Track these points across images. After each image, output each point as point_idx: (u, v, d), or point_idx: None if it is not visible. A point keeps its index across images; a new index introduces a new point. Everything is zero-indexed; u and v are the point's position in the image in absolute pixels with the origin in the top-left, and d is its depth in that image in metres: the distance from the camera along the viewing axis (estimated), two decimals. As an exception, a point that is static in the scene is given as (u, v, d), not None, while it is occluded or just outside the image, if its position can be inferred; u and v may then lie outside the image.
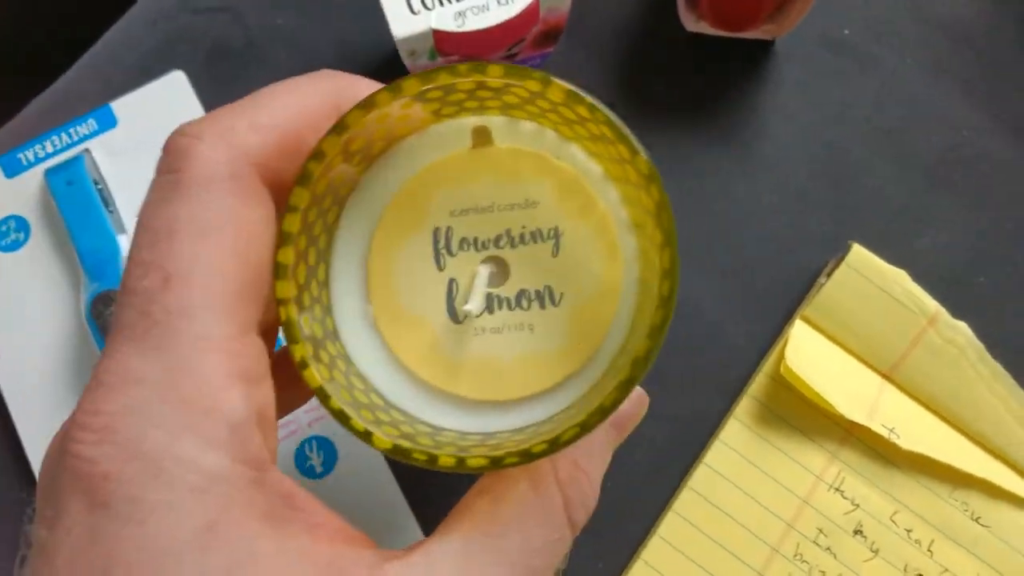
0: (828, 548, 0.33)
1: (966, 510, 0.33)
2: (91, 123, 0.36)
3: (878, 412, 0.33)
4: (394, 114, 0.19)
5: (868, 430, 0.33)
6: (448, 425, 0.20)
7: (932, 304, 0.34)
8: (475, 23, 0.32)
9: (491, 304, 0.20)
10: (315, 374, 0.18)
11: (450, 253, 0.20)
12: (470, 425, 0.20)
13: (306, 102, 0.19)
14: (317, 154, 0.18)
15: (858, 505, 0.33)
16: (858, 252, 0.34)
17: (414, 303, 0.20)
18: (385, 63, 0.40)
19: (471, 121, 0.20)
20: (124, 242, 0.34)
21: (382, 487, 0.33)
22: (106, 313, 0.32)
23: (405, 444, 0.18)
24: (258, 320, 0.18)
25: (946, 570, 0.32)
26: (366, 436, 0.18)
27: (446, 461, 0.18)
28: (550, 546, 0.19)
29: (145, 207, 0.18)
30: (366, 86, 0.20)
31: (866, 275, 0.34)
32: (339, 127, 0.18)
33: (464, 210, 0.20)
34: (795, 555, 0.33)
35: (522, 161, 0.20)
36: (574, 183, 0.20)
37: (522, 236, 0.20)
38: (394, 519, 0.33)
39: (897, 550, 0.33)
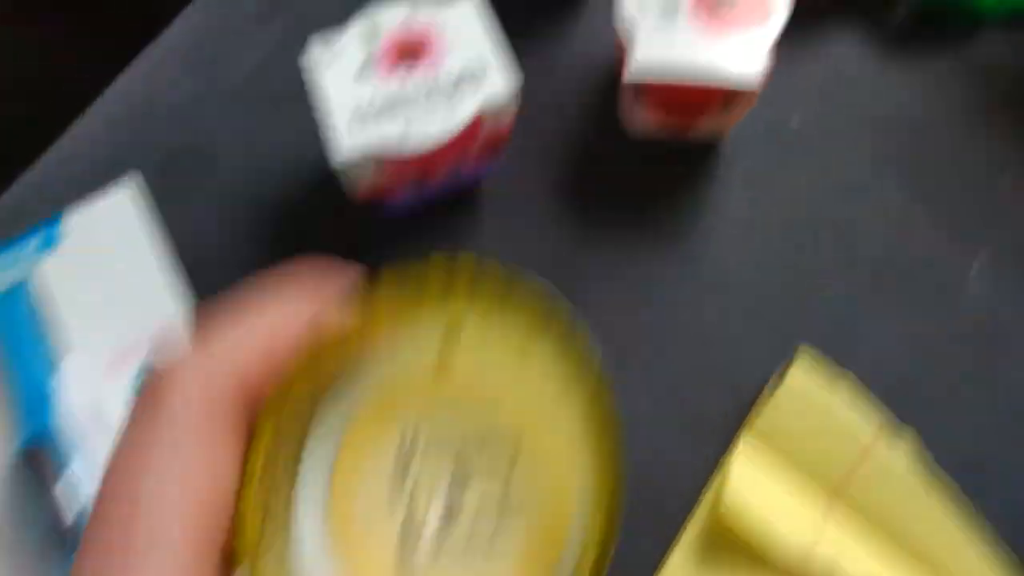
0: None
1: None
2: (37, 240, 0.36)
3: (824, 539, 0.32)
4: (364, 334, 0.19)
5: (814, 561, 0.32)
6: None
7: (877, 420, 0.34)
8: (417, 142, 0.32)
9: (448, 525, 0.20)
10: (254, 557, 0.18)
11: (410, 473, 0.20)
12: None
13: (288, 319, 0.19)
14: (287, 386, 0.18)
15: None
16: (801, 366, 0.34)
17: (372, 534, 0.20)
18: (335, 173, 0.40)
19: (436, 333, 0.20)
20: (67, 370, 0.33)
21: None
22: (29, 471, 0.32)
23: None
24: (217, 556, 0.18)
25: None
26: None
27: None
28: None
29: (114, 450, 0.18)
30: (341, 296, 0.20)
31: (810, 393, 0.34)
32: (310, 365, 0.18)
33: (427, 427, 0.20)
34: None
35: (486, 373, 0.20)
36: (539, 397, 0.20)
37: (483, 453, 0.20)
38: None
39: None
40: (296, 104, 0.40)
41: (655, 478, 0.35)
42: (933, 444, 0.34)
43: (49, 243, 0.36)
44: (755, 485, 0.33)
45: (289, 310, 0.19)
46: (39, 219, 0.37)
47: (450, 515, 0.20)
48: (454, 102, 0.32)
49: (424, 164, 0.33)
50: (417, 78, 0.33)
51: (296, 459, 0.20)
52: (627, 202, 0.39)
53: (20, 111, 0.50)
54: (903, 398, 0.35)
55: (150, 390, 0.18)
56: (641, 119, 0.39)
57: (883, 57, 0.41)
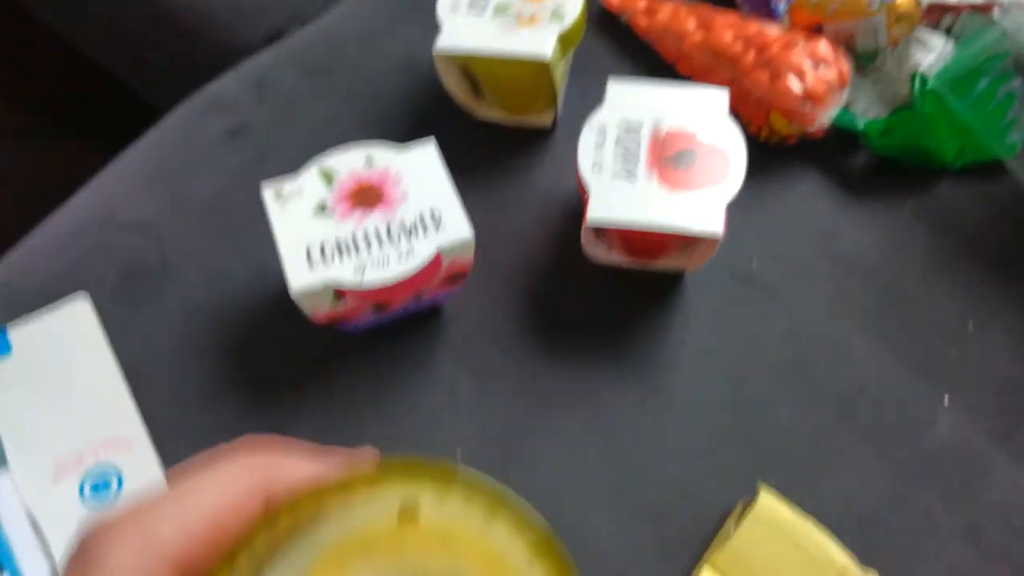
0: None
1: None
2: (-18, 353, 0.35)
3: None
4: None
5: None
6: None
7: (841, 558, 0.33)
8: (375, 277, 0.32)
9: None
10: None
11: None
12: None
13: (234, 490, 0.18)
14: (246, 543, 0.18)
15: None
16: (765, 500, 0.34)
17: None
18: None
19: (399, 492, 0.20)
20: (5, 480, 0.32)
21: None
22: None
23: None
24: None
25: None
26: None
27: None
28: None
29: None
30: (297, 469, 0.20)
31: (774, 526, 0.33)
32: (270, 522, 0.18)
33: None
34: None
35: (449, 537, 0.19)
36: (500, 562, 0.19)
37: None
38: None
39: None
40: (254, 227, 0.40)
41: None
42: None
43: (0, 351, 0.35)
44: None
45: (235, 489, 0.19)
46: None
47: None
48: (412, 244, 0.32)
49: (382, 295, 0.33)
50: (374, 220, 0.33)
51: None
52: (590, 328, 0.39)
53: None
54: (868, 536, 0.34)
55: (84, 549, 0.17)
56: (603, 255, 0.39)
57: (844, 201, 0.42)
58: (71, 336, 0.36)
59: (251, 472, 0.19)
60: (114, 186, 0.42)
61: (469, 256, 0.34)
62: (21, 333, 0.36)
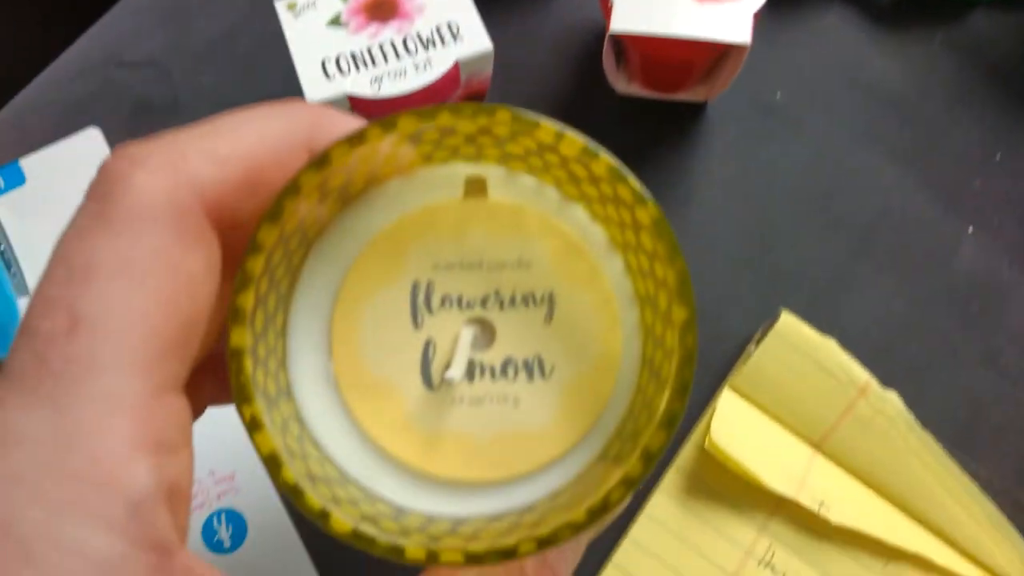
0: (757, 628, 0.31)
1: (898, 587, 0.32)
2: (-2, 181, 0.35)
3: (807, 484, 0.32)
4: (382, 152, 0.17)
5: (798, 504, 0.32)
6: (414, 506, 0.18)
7: (862, 374, 0.33)
8: (392, 89, 0.31)
9: (472, 371, 0.18)
10: (269, 438, 0.16)
11: (429, 310, 0.18)
12: (440, 507, 0.18)
13: (275, 134, 0.16)
14: (293, 188, 0.16)
15: (788, 582, 0.32)
16: (787, 320, 0.34)
17: (383, 364, 0.18)
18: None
19: (465, 169, 0.18)
20: (25, 306, 0.32)
21: (294, 562, 0.32)
22: None
23: (368, 531, 0.16)
24: (184, 377, 0.15)
25: (878, 650, 0.31)
26: (322, 517, 0.16)
27: (415, 554, 0.15)
28: None
29: (63, 237, 0.15)
30: (343, 121, 0.18)
31: (795, 344, 0.33)
32: (321, 161, 0.16)
33: (449, 264, 0.18)
34: (723, 636, 0.31)
35: (518, 217, 0.18)
36: (574, 247, 0.18)
37: (512, 298, 0.18)
38: (305, 599, 0.31)
39: (828, 630, 0.31)
40: (266, 65, 0.39)
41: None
42: (919, 406, 0.34)
43: (14, 182, 0.35)
44: (743, 420, 0.33)
45: (277, 133, 0.16)
46: (10, 159, 0.36)
47: (472, 366, 0.18)
48: (429, 56, 0.32)
49: (397, 111, 0.32)
50: (390, 33, 0.32)
51: (298, 272, 0.18)
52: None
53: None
54: (888, 361, 0.35)
55: (106, 176, 0.15)
56: (623, 87, 0.38)
57: (871, 35, 0.41)
58: (84, 165, 0.36)
59: (296, 119, 0.17)
60: (122, 24, 0.41)
61: (488, 71, 0.33)
62: (34, 162, 0.35)
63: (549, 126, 0.16)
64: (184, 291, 0.15)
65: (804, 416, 0.33)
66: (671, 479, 0.33)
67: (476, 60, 0.32)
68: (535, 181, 0.18)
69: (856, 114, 0.39)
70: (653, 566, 0.32)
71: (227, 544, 0.32)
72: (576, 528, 0.15)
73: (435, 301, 0.18)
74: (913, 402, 0.34)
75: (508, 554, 0.15)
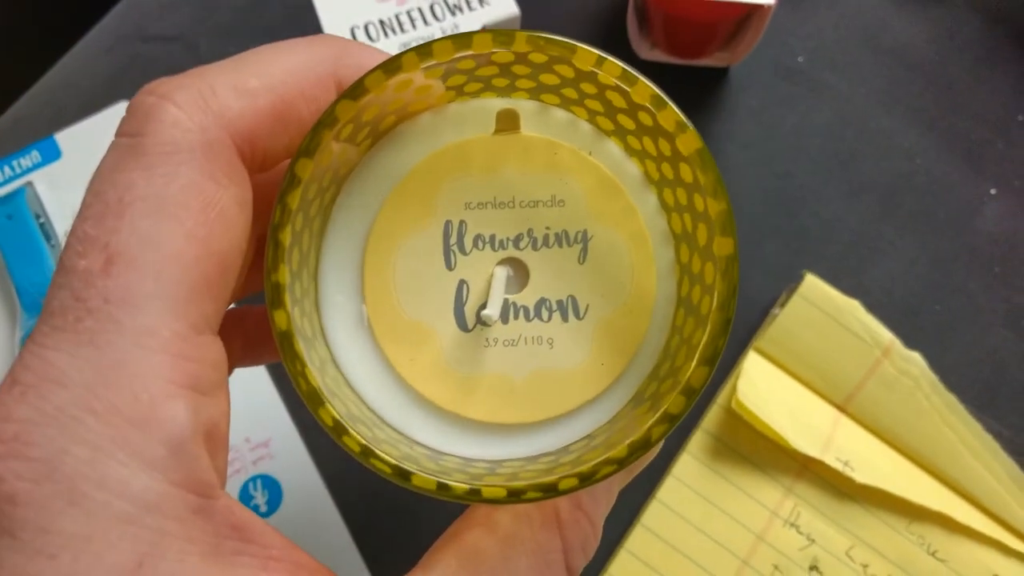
0: (783, 585, 0.32)
1: (922, 544, 0.32)
2: (34, 155, 0.35)
3: (832, 445, 0.33)
4: (415, 84, 0.16)
5: (822, 464, 0.32)
6: (451, 450, 0.17)
7: (886, 335, 0.34)
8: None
9: (506, 312, 0.17)
10: (311, 374, 0.15)
11: (462, 251, 0.17)
12: (476, 450, 0.18)
13: (303, 66, 0.16)
14: (329, 120, 0.15)
15: (814, 540, 0.32)
16: (811, 282, 0.34)
17: (417, 306, 0.17)
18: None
19: (497, 103, 0.17)
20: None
21: (329, 526, 0.33)
22: None
23: (410, 467, 0.15)
24: (219, 318, 0.15)
25: (902, 606, 0.32)
26: (364, 455, 0.15)
27: (459, 489, 0.15)
28: None
29: (97, 172, 0.15)
30: (370, 54, 0.17)
31: (820, 306, 0.34)
32: (356, 90, 0.15)
33: (481, 203, 0.17)
34: (750, 592, 0.32)
35: (552, 153, 0.17)
36: (608, 183, 0.17)
37: (546, 238, 0.17)
38: (341, 559, 0.32)
39: (853, 586, 0.32)
40: (292, 35, 0.39)
41: None
42: (942, 367, 0.34)
43: (49, 157, 0.36)
44: (769, 381, 0.33)
45: (305, 64, 0.16)
46: (43, 134, 0.37)
47: (506, 307, 0.18)
48: (456, 21, 0.32)
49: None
50: (417, 0, 0.32)
51: (328, 211, 0.18)
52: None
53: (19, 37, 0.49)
54: (913, 320, 0.35)
55: (137, 112, 0.15)
56: (646, 53, 0.38)
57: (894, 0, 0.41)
58: (117, 138, 0.36)
59: (322, 50, 0.17)
60: (146, 1, 0.41)
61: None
62: (68, 137, 0.36)
63: (588, 50, 0.16)
64: (218, 228, 0.15)
65: (829, 377, 0.33)
66: (697, 441, 0.33)
67: (503, 24, 0.32)
68: (568, 115, 0.18)
69: (878, 77, 0.39)
70: (680, 526, 0.32)
71: (263, 509, 0.32)
72: (617, 464, 0.15)
73: (468, 241, 0.17)
74: (936, 363, 0.34)
75: (549, 490, 0.15)
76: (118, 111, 0.37)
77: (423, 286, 0.17)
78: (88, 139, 0.36)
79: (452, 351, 0.17)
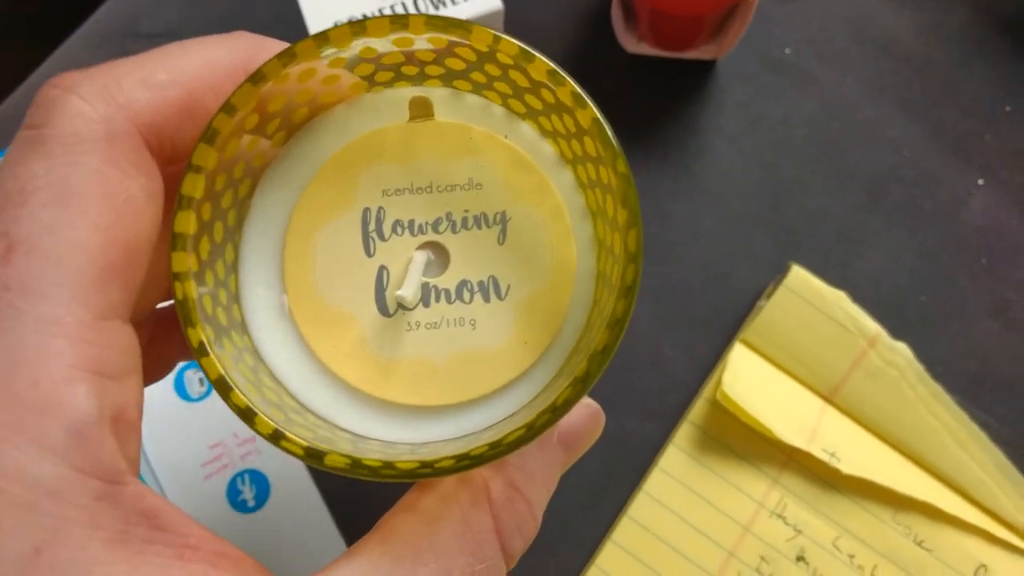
0: (770, 576, 0.32)
1: (908, 534, 0.32)
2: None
3: (818, 436, 0.33)
4: (320, 74, 0.17)
5: (809, 455, 0.32)
6: (373, 434, 0.18)
7: (872, 326, 0.34)
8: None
9: (427, 296, 0.18)
10: (215, 363, 0.16)
11: (381, 237, 0.18)
12: (399, 434, 0.18)
13: (214, 62, 0.16)
14: (227, 107, 0.16)
15: (800, 531, 0.32)
16: (797, 273, 0.34)
17: (338, 293, 0.18)
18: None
19: (409, 91, 0.18)
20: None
21: (316, 521, 0.33)
22: None
23: (321, 447, 0.15)
24: (128, 307, 0.15)
25: (889, 596, 0.32)
26: (274, 438, 0.15)
27: (371, 463, 0.15)
28: None
29: (3, 163, 0.15)
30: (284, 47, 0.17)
31: (805, 297, 0.34)
32: (255, 77, 0.16)
33: (399, 189, 0.18)
34: (736, 583, 0.32)
35: (466, 138, 0.18)
36: (524, 164, 0.18)
37: (464, 220, 0.18)
38: (328, 553, 0.32)
39: (840, 576, 0.32)
40: (281, 35, 0.39)
41: (655, 374, 0.35)
42: (928, 358, 0.34)
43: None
44: (755, 373, 0.33)
45: (215, 60, 0.16)
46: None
47: (427, 290, 0.18)
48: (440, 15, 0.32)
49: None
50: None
51: (245, 204, 0.18)
52: (621, 118, 0.38)
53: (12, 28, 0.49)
54: (898, 312, 0.35)
55: (40, 104, 0.15)
56: (633, 46, 0.38)
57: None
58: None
59: (236, 46, 0.17)
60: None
61: (498, 27, 0.33)
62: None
63: (483, 30, 0.16)
64: (123, 216, 0.15)
65: (815, 368, 0.34)
66: (684, 433, 0.33)
67: (486, 19, 0.32)
68: (481, 100, 0.18)
69: (866, 68, 0.39)
70: (667, 518, 0.32)
71: (251, 503, 0.33)
72: (526, 428, 0.15)
73: (387, 227, 0.18)
74: (923, 354, 0.34)
75: (461, 458, 0.15)
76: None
77: (343, 273, 0.17)
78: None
79: (374, 336, 0.17)
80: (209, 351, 0.16)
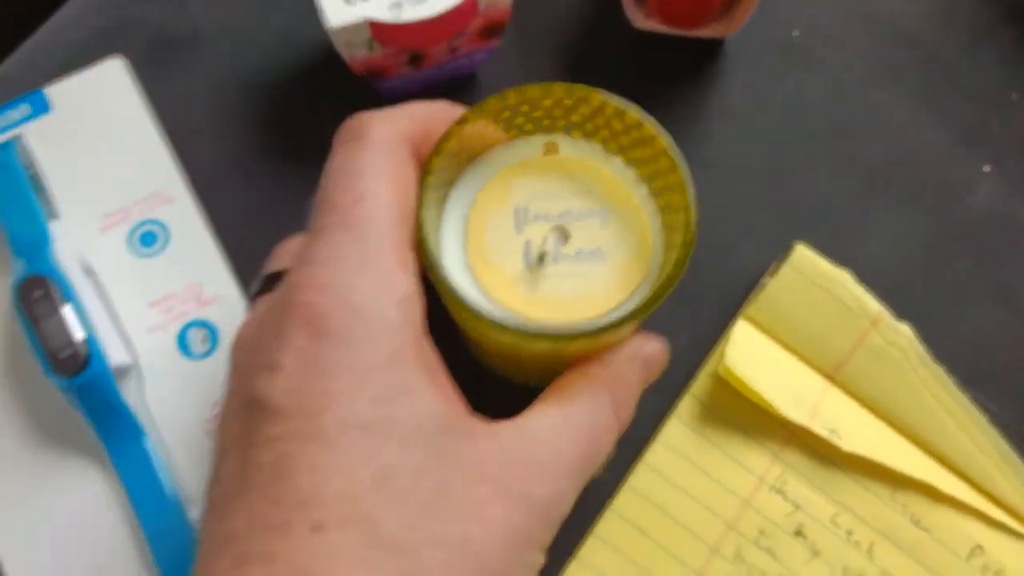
0: (768, 549, 0.32)
1: (906, 513, 0.33)
2: (24, 108, 0.35)
3: (820, 413, 0.33)
4: (483, 126, 0.27)
5: (809, 431, 0.32)
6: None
7: (875, 305, 0.34)
8: (412, 14, 0.31)
9: (557, 258, 0.27)
10: (428, 239, 0.25)
11: (526, 222, 0.28)
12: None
13: (435, 112, 0.27)
14: (444, 137, 0.26)
15: (799, 506, 0.32)
16: (801, 252, 0.34)
17: (498, 254, 0.27)
18: (327, 56, 0.39)
19: (543, 138, 0.28)
20: (56, 228, 0.33)
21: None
22: (34, 296, 0.31)
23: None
24: (412, 241, 0.24)
25: (886, 573, 0.32)
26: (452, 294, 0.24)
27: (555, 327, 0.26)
28: (604, 428, 0.25)
29: (335, 159, 0.25)
30: (456, 110, 0.27)
31: (809, 276, 0.34)
32: (460, 121, 0.26)
33: (538, 195, 0.28)
34: (735, 556, 0.32)
35: (580, 166, 0.28)
36: (616, 182, 0.28)
37: (580, 214, 0.28)
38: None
39: (838, 552, 0.32)
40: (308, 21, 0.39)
41: None
42: (930, 341, 0.34)
43: (39, 110, 0.35)
44: (757, 349, 0.33)
45: (435, 108, 0.27)
46: (35, 88, 0.36)
47: (557, 254, 0.27)
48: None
49: (418, 37, 0.33)
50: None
51: (447, 195, 0.28)
52: (627, 95, 0.38)
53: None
54: (901, 295, 0.35)
55: (353, 128, 0.25)
56: (641, 22, 0.38)
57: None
58: (108, 93, 0.36)
59: (443, 107, 0.27)
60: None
61: (507, 1, 0.33)
62: (57, 91, 0.36)
63: (598, 93, 0.26)
64: (407, 188, 0.24)
65: (817, 346, 0.34)
66: (686, 406, 0.33)
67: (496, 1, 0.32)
68: (587, 143, 0.28)
69: (873, 51, 0.39)
70: (667, 489, 0.32)
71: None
72: (636, 311, 0.25)
73: (530, 217, 0.28)
74: (925, 338, 0.34)
75: (605, 326, 0.24)
76: (107, 67, 0.36)
77: (502, 241, 0.27)
78: (78, 94, 0.36)
79: (521, 280, 0.27)
80: (427, 238, 0.25)
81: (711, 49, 0.39)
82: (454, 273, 0.27)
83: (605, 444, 0.25)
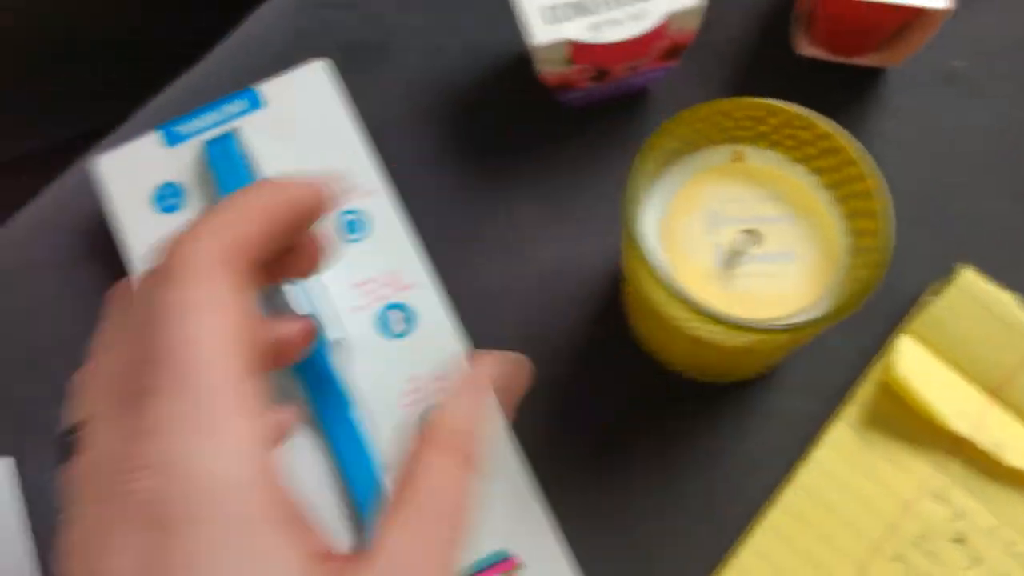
0: (929, 552, 0.33)
1: (1069, 530, 0.33)
2: (240, 103, 0.38)
3: (984, 427, 0.34)
4: (680, 133, 0.29)
5: (973, 444, 0.33)
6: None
7: (1041, 327, 0.35)
8: (609, 35, 0.34)
9: (750, 259, 0.30)
10: (637, 238, 0.28)
11: (719, 225, 0.30)
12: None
13: (278, 195, 0.24)
14: (661, 129, 0.29)
15: (960, 515, 0.34)
16: (967, 275, 0.35)
17: (692, 251, 0.30)
18: (513, 64, 0.42)
19: (731, 147, 0.31)
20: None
21: (510, 471, 0.34)
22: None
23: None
24: (259, 365, 0.22)
25: (1046, 587, 0.33)
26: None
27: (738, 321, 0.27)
28: (461, 508, 0.23)
29: (138, 308, 0.22)
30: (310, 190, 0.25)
31: (975, 296, 0.35)
32: (671, 122, 0.29)
33: (729, 199, 0.30)
34: (895, 555, 0.33)
35: (767, 173, 0.31)
36: (801, 188, 0.30)
37: (770, 218, 0.30)
38: (516, 497, 0.34)
39: (998, 562, 0.33)
40: (472, 6, 0.42)
41: (815, 362, 0.37)
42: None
43: (254, 105, 0.38)
44: (921, 362, 0.35)
45: (277, 188, 0.24)
46: (230, 89, 0.40)
47: (749, 256, 0.30)
48: (643, 7, 0.34)
49: (610, 57, 0.35)
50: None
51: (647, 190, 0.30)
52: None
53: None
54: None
55: (169, 254, 0.22)
56: (805, 48, 0.40)
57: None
58: (314, 93, 0.39)
59: (291, 186, 0.25)
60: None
61: (694, 26, 0.35)
62: (270, 88, 0.39)
63: (784, 107, 0.29)
64: (233, 310, 0.21)
65: (980, 365, 0.35)
66: (851, 412, 0.35)
67: (685, 15, 0.35)
68: (772, 151, 0.31)
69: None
70: (831, 487, 0.34)
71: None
72: (816, 323, 0.27)
73: (721, 220, 0.30)
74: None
75: (789, 328, 0.27)
76: (315, 68, 0.39)
77: (696, 240, 0.30)
78: (287, 92, 0.39)
79: (715, 278, 0.30)
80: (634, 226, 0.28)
81: (873, 75, 0.41)
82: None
83: (467, 509, 0.23)
